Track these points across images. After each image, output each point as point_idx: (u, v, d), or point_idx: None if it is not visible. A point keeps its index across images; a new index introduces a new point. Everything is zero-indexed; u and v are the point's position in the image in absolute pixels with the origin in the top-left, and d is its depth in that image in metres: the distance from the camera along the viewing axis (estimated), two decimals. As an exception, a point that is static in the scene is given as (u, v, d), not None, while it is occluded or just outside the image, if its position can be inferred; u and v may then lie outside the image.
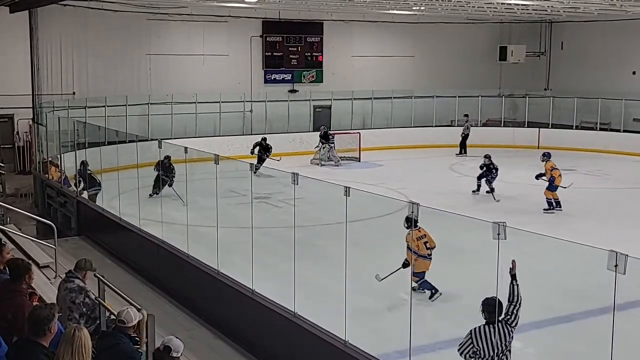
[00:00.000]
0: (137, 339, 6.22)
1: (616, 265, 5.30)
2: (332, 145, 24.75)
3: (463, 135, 27.21)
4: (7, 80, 23.33)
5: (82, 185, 16.90)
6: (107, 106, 23.53)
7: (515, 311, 6.72)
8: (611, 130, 28.18)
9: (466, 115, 27.86)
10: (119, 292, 7.63)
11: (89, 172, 16.81)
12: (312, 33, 29.09)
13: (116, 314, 6.42)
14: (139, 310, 6.44)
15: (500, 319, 6.64)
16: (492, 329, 6.59)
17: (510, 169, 23.93)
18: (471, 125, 27.67)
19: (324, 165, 24.42)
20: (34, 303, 6.91)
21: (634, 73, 29.22)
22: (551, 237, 8.80)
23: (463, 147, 27.08)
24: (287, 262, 9.83)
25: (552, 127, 29.09)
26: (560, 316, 10.19)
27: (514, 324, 6.68)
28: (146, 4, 24.95)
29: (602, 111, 28.23)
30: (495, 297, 6.60)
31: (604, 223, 16.25)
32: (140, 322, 6.15)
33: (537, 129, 29.03)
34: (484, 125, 30.54)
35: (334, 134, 25.40)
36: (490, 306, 6.61)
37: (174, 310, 11.19)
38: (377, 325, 9.66)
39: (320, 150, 24.69)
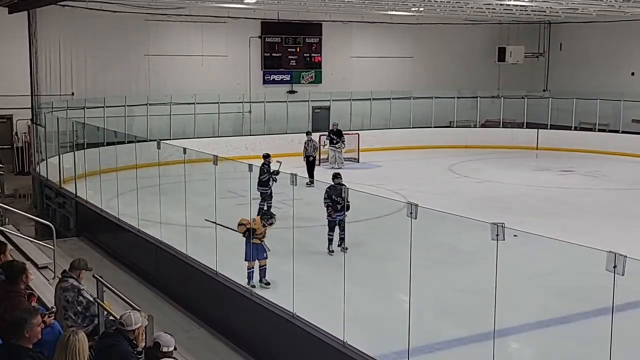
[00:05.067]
0: (134, 342, 6.21)
1: (615, 267, 5.30)
2: (344, 145, 24.38)
3: (305, 158, 20.95)
4: (6, 80, 23.31)
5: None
6: (106, 107, 23.54)
7: None
8: (610, 131, 28.18)
9: (308, 133, 21.90)
10: (118, 293, 7.63)
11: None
12: (310, 34, 29.10)
13: (118, 316, 6.41)
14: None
15: None
16: None
17: (509, 169, 24.00)
18: (316, 146, 21.46)
19: (339, 167, 23.49)
20: (33, 304, 6.92)
21: (632, 74, 29.24)
22: (549, 238, 8.81)
23: (310, 174, 20.31)
24: (285, 262, 9.85)
25: (550, 128, 29.10)
26: (558, 317, 10.19)
27: None
28: (145, 4, 24.93)
29: (601, 112, 28.23)
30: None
31: (602, 224, 16.25)
32: (140, 327, 6.12)
33: (536, 129, 29.05)
34: (483, 126, 30.60)
35: (346, 133, 24.93)
36: None
37: (172, 311, 11.19)
38: (375, 326, 9.66)
39: (329, 150, 24.18)
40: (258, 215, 15.15)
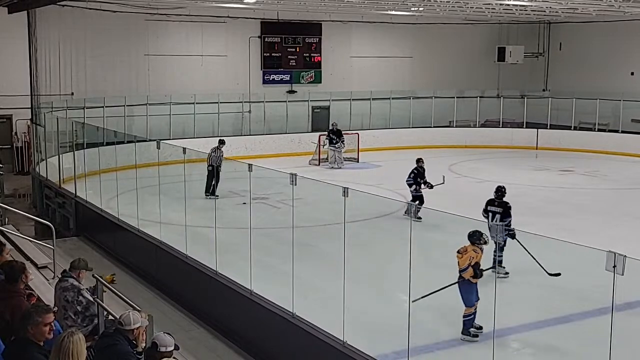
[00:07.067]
0: (134, 342, 6.21)
1: (614, 266, 5.30)
2: (343, 145, 24.33)
3: (210, 167, 18.10)
4: (6, 80, 23.33)
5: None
6: (106, 107, 23.55)
7: None
8: (609, 131, 28.18)
9: (221, 142, 19.00)
10: (118, 293, 7.63)
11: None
12: (310, 34, 29.09)
13: (117, 316, 6.41)
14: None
15: None
16: None
17: (509, 169, 23.99)
18: (222, 158, 18.04)
19: (339, 167, 23.71)
20: (32, 303, 6.92)
21: (632, 74, 29.24)
22: (550, 238, 8.80)
23: (212, 184, 17.96)
24: (285, 262, 9.83)
25: (550, 128, 29.11)
26: (558, 317, 10.18)
27: None
28: (145, 4, 24.93)
29: (601, 112, 28.24)
30: None
31: (602, 224, 16.26)
32: (140, 327, 6.11)
33: (536, 129, 29.06)
34: (483, 126, 30.60)
35: (345, 133, 24.92)
36: None
37: (172, 311, 11.19)
38: (375, 326, 9.66)
39: (329, 150, 24.15)
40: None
